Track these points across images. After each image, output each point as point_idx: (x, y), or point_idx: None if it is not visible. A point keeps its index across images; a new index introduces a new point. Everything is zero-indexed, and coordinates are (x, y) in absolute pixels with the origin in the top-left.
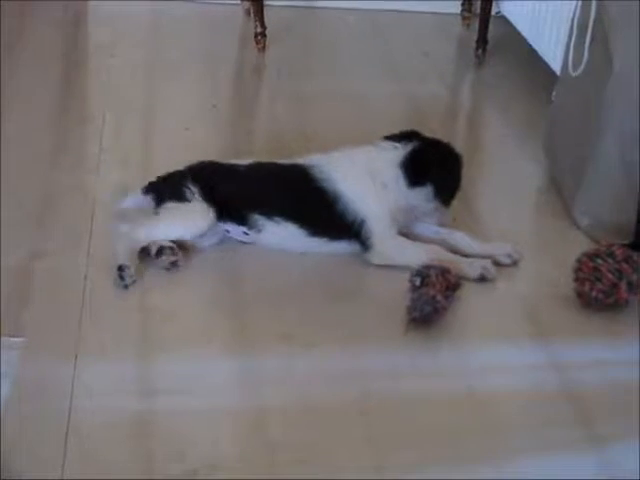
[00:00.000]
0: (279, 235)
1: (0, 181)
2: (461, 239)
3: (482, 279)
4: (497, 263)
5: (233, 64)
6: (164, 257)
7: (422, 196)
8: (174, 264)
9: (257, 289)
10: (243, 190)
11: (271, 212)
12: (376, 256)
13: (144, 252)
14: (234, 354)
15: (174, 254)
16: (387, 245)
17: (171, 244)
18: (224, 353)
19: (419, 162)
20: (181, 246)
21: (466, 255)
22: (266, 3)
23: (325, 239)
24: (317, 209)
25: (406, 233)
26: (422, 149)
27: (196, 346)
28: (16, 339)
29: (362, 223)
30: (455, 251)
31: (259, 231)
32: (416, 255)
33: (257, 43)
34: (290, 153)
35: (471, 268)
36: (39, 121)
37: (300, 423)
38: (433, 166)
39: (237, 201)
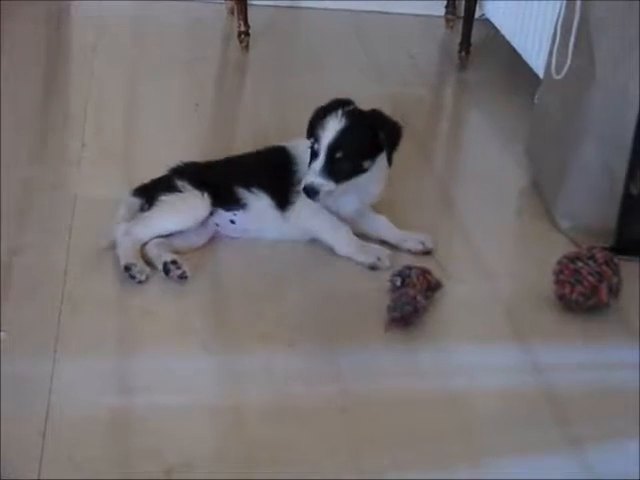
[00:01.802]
0: (258, 210)
1: None
2: (382, 223)
3: (373, 268)
4: (410, 250)
5: (216, 63)
6: (171, 273)
7: None
8: (182, 276)
9: (236, 287)
10: (225, 170)
11: (250, 183)
12: (293, 213)
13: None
14: (213, 352)
15: (178, 267)
16: (307, 206)
17: (173, 257)
18: (203, 351)
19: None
20: (176, 251)
21: (383, 240)
22: (250, 2)
23: (284, 207)
24: (282, 179)
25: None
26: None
27: (175, 344)
28: None
29: (296, 181)
30: (373, 234)
31: (244, 207)
32: (325, 227)
33: (240, 42)
34: None
35: (366, 255)
36: (21, 117)
37: (278, 422)
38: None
39: (220, 180)
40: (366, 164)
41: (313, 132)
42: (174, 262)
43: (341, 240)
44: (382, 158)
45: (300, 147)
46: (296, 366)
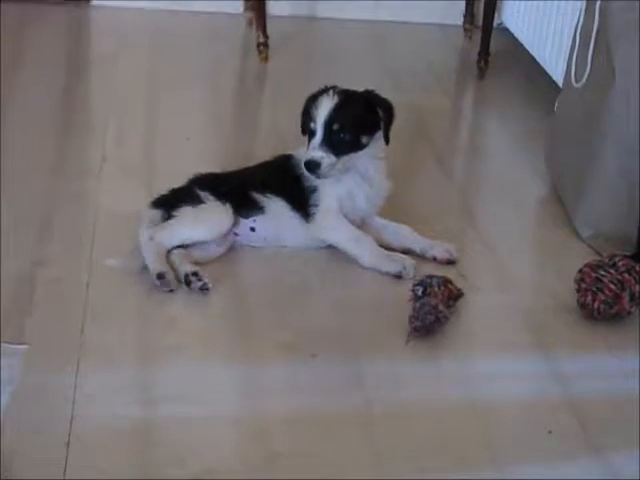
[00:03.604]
0: (276, 213)
1: (3, 188)
2: (406, 232)
3: (398, 277)
4: (435, 258)
5: (235, 74)
6: (192, 285)
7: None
8: (203, 288)
9: (258, 297)
10: (240, 178)
11: (264, 189)
12: (314, 227)
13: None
14: (236, 362)
15: (199, 279)
16: (328, 219)
17: (194, 269)
18: (226, 361)
19: None
20: (196, 261)
21: (408, 249)
22: (268, 13)
23: (301, 213)
24: (291, 182)
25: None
26: None
27: (198, 354)
28: (18, 346)
29: (315, 191)
30: (397, 244)
31: (262, 211)
32: (348, 239)
33: (259, 53)
34: None
35: (392, 264)
36: (41, 129)
37: (301, 432)
38: None
39: (238, 188)
40: (364, 139)
41: (308, 117)
42: (195, 274)
43: (365, 251)
44: (379, 137)
45: (303, 152)
46: (319, 376)
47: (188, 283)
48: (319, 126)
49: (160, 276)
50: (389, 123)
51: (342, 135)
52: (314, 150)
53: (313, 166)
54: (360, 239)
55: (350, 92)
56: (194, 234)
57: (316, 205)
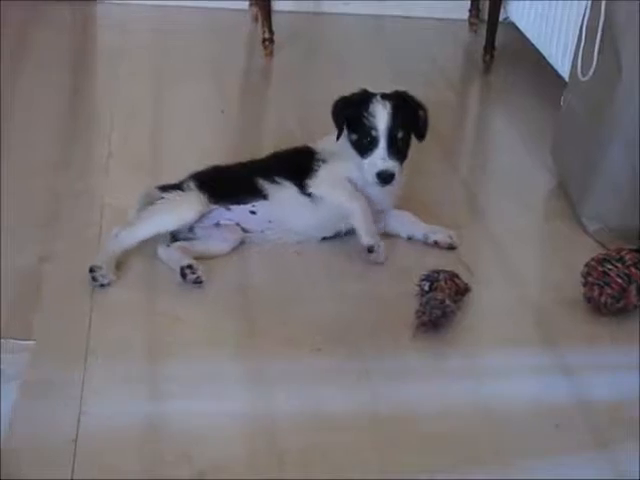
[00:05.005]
0: (282, 199)
1: (9, 185)
2: (407, 218)
3: (370, 251)
4: (436, 243)
5: (241, 69)
6: (187, 278)
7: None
8: (197, 281)
9: (264, 292)
10: (245, 167)
11: (272, 174)
12: (314, 181)
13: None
14: (242, 358)
15: (193, 272)
16: (330, 175)
17: (190, 262)
18: (232, 357)
19: None
20: (200, 256)
21: (408, 236)
22: (274, 9)
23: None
24: (306, 169)
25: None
26: None
27: (204, 350)
28: (25, 342)
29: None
30: (399, 230)
31: (265, 198)
32: (344, 194)
33: (265, 48)
34: None
35: (372, 236)
36: (48, 125)
37: (308, 426)
38: None
39: (239, 176)
40: (409, 141)
41: (360, 124)
42: (190, 266)
43: (359, 208)
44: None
45: (324, 144)
46: (325, 371)
47: (183, 275)
48: (382, 134)
49: (91, 270)
50: (427, 123)
51: (404, 142)
52: (384, 160)
53: (387, 177)
54: (356, 198)
55: (396, 96)
56: (156, 227)
57: (324, 162)
